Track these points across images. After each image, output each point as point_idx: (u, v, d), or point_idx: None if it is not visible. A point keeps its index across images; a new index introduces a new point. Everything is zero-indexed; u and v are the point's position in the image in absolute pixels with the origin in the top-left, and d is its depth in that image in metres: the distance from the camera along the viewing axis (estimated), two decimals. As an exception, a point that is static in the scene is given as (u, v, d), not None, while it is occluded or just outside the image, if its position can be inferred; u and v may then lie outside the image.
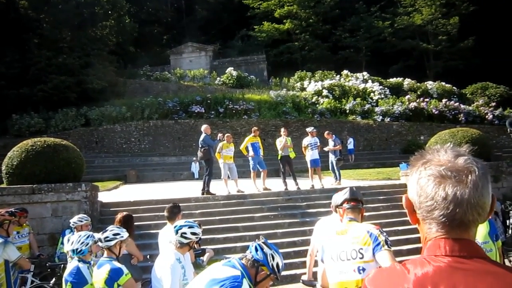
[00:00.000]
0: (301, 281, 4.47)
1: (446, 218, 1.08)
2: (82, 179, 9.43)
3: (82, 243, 4.15)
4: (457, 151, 1.15)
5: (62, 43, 27.07)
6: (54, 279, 6.48)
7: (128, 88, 28.03)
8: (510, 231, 8.91)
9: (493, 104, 25.28)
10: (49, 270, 6.83)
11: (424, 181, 1.11)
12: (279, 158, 12.19)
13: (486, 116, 24.12)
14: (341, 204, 3.28)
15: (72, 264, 4.20)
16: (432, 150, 1.16)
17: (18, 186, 8.44)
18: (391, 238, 3.09)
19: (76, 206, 8.59)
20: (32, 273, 6.67)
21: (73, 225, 6.18)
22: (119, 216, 5.59)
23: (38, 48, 25.63)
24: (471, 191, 1.06)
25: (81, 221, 6.25)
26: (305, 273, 4.73)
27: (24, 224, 7.23)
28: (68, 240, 4.48)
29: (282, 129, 12.30)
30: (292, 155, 12.00)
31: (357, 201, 3.26)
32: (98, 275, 3.79)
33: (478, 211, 1.07)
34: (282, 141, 11.90)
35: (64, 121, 22.30)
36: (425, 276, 1.04)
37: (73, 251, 4.15)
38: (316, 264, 3.92)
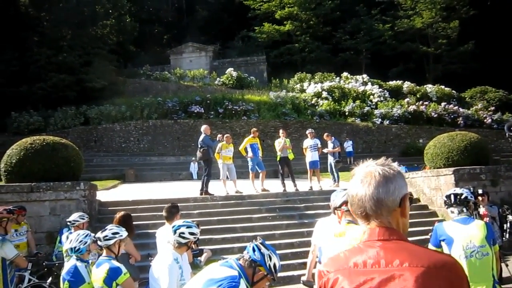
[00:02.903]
0: (301, 281, 4.48)
1: (357, 210, 1.48)
2: (80, 178, 9.42)
3: (81, 241, 4.15)
4: (372, 162, 1.51)
5: (62, 41, 27.01)
6: (51, 278, 6.47)
7: (128, 88, 28.01)
8: (507, 235, 8.91)
9: (492, 108, 25.33)
10: (45, 269, 6.82)
11: (349, 186, 1.53)
12: (278, 159, 12.20)
13: (485, 120, 24.17)
14: (340, 206, 3.29)
15: (70, 262, 4.19)
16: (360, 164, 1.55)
17: (17, 184, 8.41)
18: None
19: (74, 205, 8.57)
20: (29, 271, 6.66)
21: (73, 223, 6.15)
22: (117, 215, 5.58)
23: (38, 46, 25.59)
24: (366, 189, 1.44)
25: (83, 219, 6.24)
26: (304, 274, 4.74)
27: (22, 222, 7.23)
28: (67, 238, 4.48)
29: (281, 131, 12.32)
30: (291, 156, 12.01)
31: (355, 203, 3.27)
32: (97, 274, 3.79)
33: (376, 205, 1.42)
34: (281, 143, 11.92)
35: (63, 120, 22.28)
36: (359, 256, 1.41)
37: (71, 249, 4.15)
38: (316, 265, 3.92)
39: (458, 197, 3.99)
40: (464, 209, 3.98)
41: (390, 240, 1.41)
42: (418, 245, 1.45)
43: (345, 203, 3.25)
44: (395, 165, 1.50)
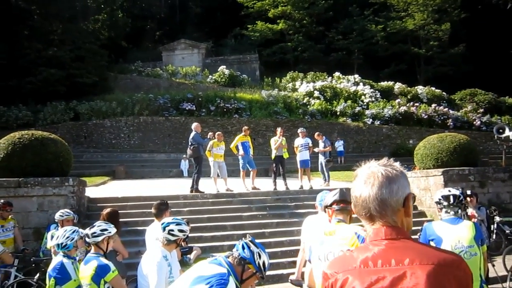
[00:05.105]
0: (289, 280, 4.48)
1: (361, 211, 1.48)
2: (69, 173, 9.31)
3: (67, 237, 4.09)
4: (375, 162, 1.51)
5: (53, 35, 26.70)
6: (38, 274, 6.38)
7: (119, 83, 27.77)
8: (494, 236, 9.03)
9: (481, 110, 25.64)
10: (33, 265, 6.74)
11: (352, 187, 1.52)
12: (273, 158, 12.21)
13: (474, 122, 24.45)
14: (330, 205, 3.28)
15: (56, 259, 4.14)
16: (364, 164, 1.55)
17: (4, 179, 8.29)
18: (378, 240, 3.10)
19: (62, 201, 8.46)
20: (16, 267, 6.57)
21: (56, 219, 6.14)
22: (104, 211, 5.54)
23: (28, 40, 25.24)
24: (370, 191, 1.45)
25: (62, 216, 6.19)
26: (293, 273, 4.74)
27: (9, 218, 7.14)
28: (52, 236, 4.42)
29: (278, 129, 12.28)
30: (286, 155, 12.05)
31: (347, 202, 3.26)
32: (85, 271, 3.74)
33: (380, 205, 1.44)
34: (277, 141, 11.93)
35: (52, 115, 22.01)
36: (368, 256, 1.42)
37: (58, 245, 4.09)
38: (306, 264, 3.92)
39: (457, 198, 3.97)
40: (459, 211, 3.96)
41: (397, 239, 1.43)
42: (424, 244, 1.52)
43: (336, 202, 3.25)
44: (397, 165, 1.52)
